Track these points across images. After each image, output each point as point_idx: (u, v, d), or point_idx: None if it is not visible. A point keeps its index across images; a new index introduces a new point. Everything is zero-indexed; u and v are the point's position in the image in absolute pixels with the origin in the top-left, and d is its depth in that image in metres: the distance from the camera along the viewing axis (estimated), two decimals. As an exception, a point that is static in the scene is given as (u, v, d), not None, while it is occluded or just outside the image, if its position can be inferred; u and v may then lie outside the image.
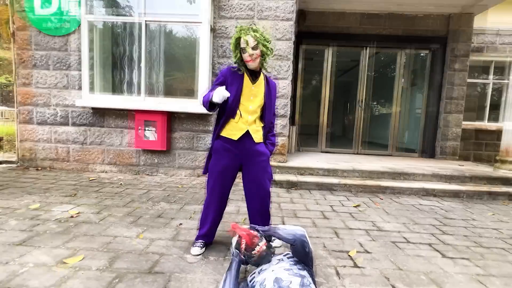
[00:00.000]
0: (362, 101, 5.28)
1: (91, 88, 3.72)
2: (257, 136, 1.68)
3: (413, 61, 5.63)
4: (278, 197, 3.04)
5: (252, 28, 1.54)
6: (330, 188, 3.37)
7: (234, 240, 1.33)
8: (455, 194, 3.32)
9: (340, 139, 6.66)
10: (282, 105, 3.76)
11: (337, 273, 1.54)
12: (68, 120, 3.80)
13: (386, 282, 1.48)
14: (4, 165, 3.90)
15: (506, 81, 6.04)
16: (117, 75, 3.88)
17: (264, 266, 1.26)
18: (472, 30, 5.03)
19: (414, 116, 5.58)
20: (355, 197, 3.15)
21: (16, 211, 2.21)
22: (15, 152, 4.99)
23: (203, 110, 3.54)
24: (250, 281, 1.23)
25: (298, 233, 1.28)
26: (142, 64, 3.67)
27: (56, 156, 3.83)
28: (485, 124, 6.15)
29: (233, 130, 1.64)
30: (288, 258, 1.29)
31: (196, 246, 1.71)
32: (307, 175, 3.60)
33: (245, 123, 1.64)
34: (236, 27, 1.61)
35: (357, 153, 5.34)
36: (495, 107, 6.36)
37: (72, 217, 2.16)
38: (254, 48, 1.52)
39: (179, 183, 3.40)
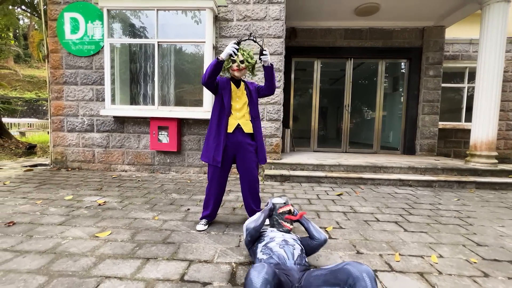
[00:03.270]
0: (348, 106, 5.48)
1: (113, 100, 4.01)
2: (247, 127, 1.94)
3: (393, 69, 5.84)
4: (272, 188, 3.25)
5: (242, 48, 1.87)
6: (318, 180, 3.57)
7: (277, 200, 1.51)
8: (428, 184, 3.49)
9: (330, 140, 6.84)
10: (275, 111, 3.99)
11: (314, 242, 1.74)
12: (93, 127, 4.10)
13: (352, 248, 1.68)
14: (39, 167, 4.20)
15: (479, 84, 6.18)
16: (134, 88, 4.18)
17: (275, 230, 1.44)
18: (444, 41, 5.22)
19: (395, 118, 5.76)
20: (339, 187, 3.35)
21: (54, 201, 2.47)
22: (47, 157, 5.32)
23: (208, 116, 3.80)
24: (261, 232, 1.42)
25: (322, 236, 1.39)
26: (156, 78, 3.96)
27: (84, 158, 4.12)
28: (463, 124, 6.28)
29: (228, 126, 1.91)
30: (296, 236, 1.48)
31: (200, 224, 1.94)
32: (298, 170, 3.81)
33: (235, 118, 1.91)
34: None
35: (345, 152, 5.53)
36: (471, 109, 6.50)
37: (99, 205, 2.41)
38: (242, 62, 1.85)
39: (188, 179, 3.64)
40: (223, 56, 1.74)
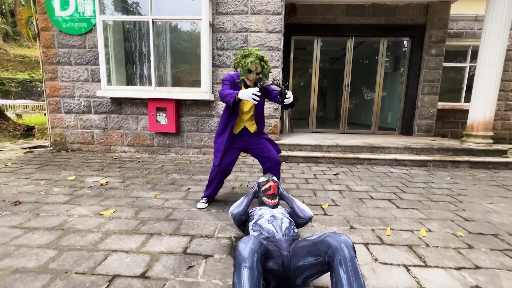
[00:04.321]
0: (348, 86, 5.42)
1: (109, 81, 3.95)
2: (252, 129, 2.03)
3: (395, 48, 5.70)
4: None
5: (263, 58, 1.81)
6: (315, 161, 3.64)
7: (261, 179, 1.59)
8: (423, 164, 3.57)
9: (328, 121, 6.85)
10: (274, 91, 3.95)
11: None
12: (91, 109, 4.07)
13: (346, 224, 1.77)
14: (39, 149, 4.23)
15: (481, 64, 6.08)
16: (130, 69, 4.09)
17: (264, 208, 1.52)
18: (448, 17, 5.05)
19: (395, 98, 5.73)
20: (336, 167, 3.42)
21: (57, 182, 2.53)
22: (46, 139, 5.33)
23: (206, 97, 3.78)
24: (250, 212, 1.51)
25: (307, 215, 1.46)
26: (151, 58, 3.87)
27: (83, 140, 4.14)
28: (462, 104, 6.27)
29: (234, 127, 2.00)
30: (285, 210, 1.56)
31: (201, 202, 2.01)
32: (296, 151, 3.86)
33: (242, 121, 2.00)
34: (245, 51, 1.81)
35: (344, 133, 5.56)
36: (471, 89, 6.44)
37: (102, 185, 2.47)
38: (257, 74, 1.83)
39: (188, 160, 3.69)
40: (241, 96, 1.68)
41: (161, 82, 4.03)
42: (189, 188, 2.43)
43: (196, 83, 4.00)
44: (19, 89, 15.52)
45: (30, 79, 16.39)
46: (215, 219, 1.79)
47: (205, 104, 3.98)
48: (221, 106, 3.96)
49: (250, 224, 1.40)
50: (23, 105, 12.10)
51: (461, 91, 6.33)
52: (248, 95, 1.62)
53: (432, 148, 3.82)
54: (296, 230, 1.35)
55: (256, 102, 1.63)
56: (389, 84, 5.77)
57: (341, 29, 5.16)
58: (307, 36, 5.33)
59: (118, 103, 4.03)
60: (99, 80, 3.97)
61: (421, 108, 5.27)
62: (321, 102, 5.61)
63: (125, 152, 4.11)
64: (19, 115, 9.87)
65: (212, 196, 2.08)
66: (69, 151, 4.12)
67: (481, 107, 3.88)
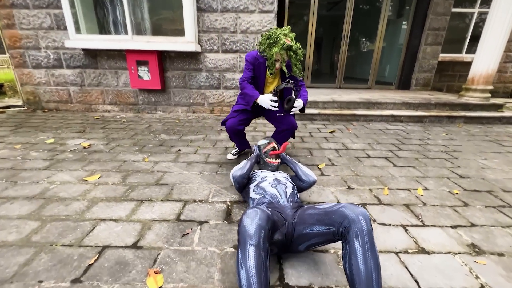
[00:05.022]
0: (347, 35, 4.98)
1: (77, 28, 3.42)
2: None
3: (402, -10, 5.10)
4: (264, 127, 3.18)
5: (291, 47, 1.59)
6: (310, 118, 3.51)
7: (261, 142, 1.54)
8: (419, 120, 3.51)
9: (324, 75, 6.51)
10: (268, 41, 3.56)
11: (307, 180, 1.77)
12: (61, 62, 3.61)
13: (343, 184, 1.73)
14: (12, 109, 3.87)
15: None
16: (101, 14, 3.52)
17: (266, 171, 1.44)
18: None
19: (395, 50, 5.37)
20: (332, 125, 3.32)
21: (34, 145, 2.33)
22: (19, 97, 4.87)
23: (191, 48, 3.37)
24: (252, 174, 1.43)
25: (311, 179, 1.39)
26: (124, 0, 3.30)
27: (59, 98, 3.78)
28: (463, 56, 5.98)
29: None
30: (287, 174, 1.48)
31: (231, 153, 2.17)
32: (291, 108, 3.68)
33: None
34: (271, 36, 1.62)
35: (339, 87, 5.33)
36: (476, 39, 6.08)
37: (85, 148, 2.30)
38: (284, 62, 1.70)
39: (177, 119, 3.49)
40: (260, 102, 1.72)
41: (139, 31, 3.53)
42: (179, 150, 2.30)
43: (180, 33, 3.53)
44: (-21, 40, 13.74)
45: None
46: (208, 182, 1.71)
47: (191, 57, 3.59)
48: (209, 59, 3.59)
49: (252, 186, 1.32)
50: (-12, 59, 10.87)
51: (464, 41, 5.97)
52: (266, 103, 1.66)
53: (429, 103, 3.72)
54: (298, 195, 1.28)
55: (275, 109, 1.66)
56: (390, 34, 5.33)
57: (344, -36, 4.47)
58: (305, -27, 4.63)
59: (93, 56, 3.58)
60: (66, 28, 3.43)
61: (422, 60, 4.99)
62: (317, 54, 5.21)
63: (108, 111, 3.83)
64: (-15, 71, 8.92)
65: (240, 149, 2.18)
66: (46, 111, 3.80)
67: (486, 58, 3.66)
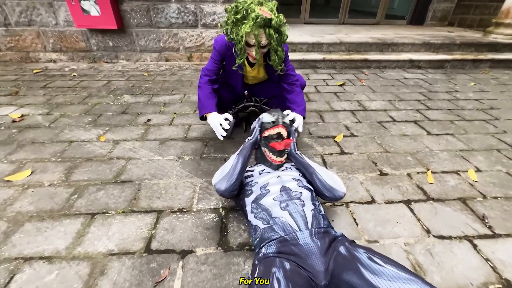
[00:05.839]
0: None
1: None
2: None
3: None
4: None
5: (271, 21, 1.01)
6: (313, 65, 2.86)
7: (265, 118, 0.98)
8: (440, 65, 2.96)
9: (325, 7, 5.44)
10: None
11: (324, 162, 1.33)
12: (-35, -11, 2.53)
13: (373, 167, 1.30)
14: None
15: None
16: None
17: (267, 169, 0.97)
18: None
19: (414, -29, 4.34)
20: (340, 74, 2.72)
21: None
22: None
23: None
24: (246, 179, 0.97)
25: (338, 194, 0.89)
26: None
27: (-20, 44, 2.82)
28: (486, -20, 5.01)
29: None
30: (295, 168, 1.00)
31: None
32: (289, 52, 2.97)
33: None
34: (239, 8, 1.03)
35: (343, 23, 4.45)
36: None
37: (14, 121, 1.66)
38: (263, 47, 1.11)
39: (145, 70, 2.73)
40: (209, 122, 1.24)
41: None
42: (149, 120, 1.72)
43: None
44: None
45: None
46: (190, 174, 1.23)
47: (154, -20, 2.61)
48: (179, -18, 2.62)
49: (247, 200, 0.87)
50: None
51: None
52: (215, 127, 1.19)
53: (454, 43, 3.11)
54: (322, 208, 0.84)
55: (222, 138, 1.22)
56: None
57: None
58: None
59: (10, -22, 2.51)
60: None
61: (444, -15, 4.09)
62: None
63: (54, 61, 2.95)
64: None
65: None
66: (-33, 62, 2.87)
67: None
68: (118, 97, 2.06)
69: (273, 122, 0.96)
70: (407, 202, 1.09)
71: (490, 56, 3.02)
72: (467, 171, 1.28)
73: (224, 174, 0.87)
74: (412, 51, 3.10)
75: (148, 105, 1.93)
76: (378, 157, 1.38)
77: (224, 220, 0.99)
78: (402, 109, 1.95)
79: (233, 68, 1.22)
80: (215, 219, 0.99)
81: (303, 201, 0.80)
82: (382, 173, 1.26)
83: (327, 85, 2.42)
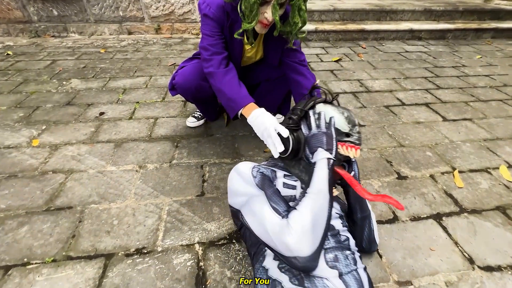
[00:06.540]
0: None
1: None
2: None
3: None
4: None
5: None
6: (304, 38, 2.49)
7: (339, 120, 0.60)
8: (441, 36, 2.68)
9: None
10: None
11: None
12: None
13: (388, 168, 1.05)
14: None
15: None
16: None
17: (291, 178, 0.64)
18: None
19: None
20: (334, 48, 2.38)
21: None
22: None
23: None
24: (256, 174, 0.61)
25: (376, 247, 0.68)
26: None
27: None
28: None
29: None
30: (339, 198, 0.70)
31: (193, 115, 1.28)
32: (276, 22, 2.56)
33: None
34: None
35: (333, -12, 3.98)
36: None
37: None
38: (281, 5, 0.76)
39: (102, 46, 2.24)
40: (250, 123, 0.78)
41: None
42: (101, 113, 1.34)
43: None
44: None
45: None
46: (154, 191, 0.92)
47: None
48: None
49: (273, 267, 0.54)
50: None
51: None
52: (269, 134, 0.67)
53: (456, 10, 2.81)
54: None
55: (278, 155, 0.64)
56: None
57: None
58: None
59: None
60: None
61: None
62: None
63: (-17, 36, 2.37)
64: None
65: (208, 118, 1.31)
66: None
67: None
68: (64, 83, 1.62)
69: (347, 134, 0.59)
70: (437, 217, 0.86)
71: (494, 24, 2.77)
72: (498, 168, 1.07)
73: (310, 224, 0.45)
74: (412, 19, 2.79)
75: (102, 92, 1.52)
76: (393, 154, 1.13)
77: (201, 263, 0.71)
78: (409, 89, 1.69)
79: (235, 35, 0.81)
80: (188, 263, 0.71)
81: (353, 253, 0.52)
82: (400, 176, 1.01)
83: (322, 61, 2.09)
